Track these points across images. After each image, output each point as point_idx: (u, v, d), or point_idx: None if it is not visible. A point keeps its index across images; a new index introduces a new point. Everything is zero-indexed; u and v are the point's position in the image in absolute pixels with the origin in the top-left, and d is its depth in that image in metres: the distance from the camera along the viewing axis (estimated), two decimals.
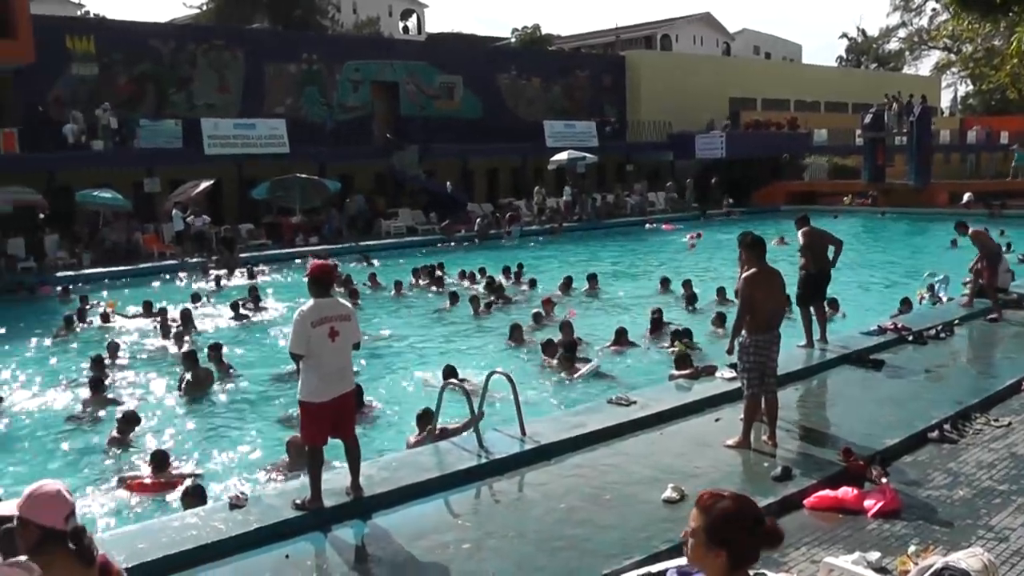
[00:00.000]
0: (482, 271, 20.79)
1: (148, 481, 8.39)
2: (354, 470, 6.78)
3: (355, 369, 7.37)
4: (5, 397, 11.73)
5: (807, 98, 56.29)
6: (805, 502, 6.82)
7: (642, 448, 8.07)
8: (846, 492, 6.82)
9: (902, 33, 74.13)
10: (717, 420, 8.80)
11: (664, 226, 34.42)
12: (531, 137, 39.19)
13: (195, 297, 18.76)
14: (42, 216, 25.81)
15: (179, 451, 9.45)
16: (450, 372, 10.64)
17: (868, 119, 39.42)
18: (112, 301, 18.96)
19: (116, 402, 11.33)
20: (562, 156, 35.64)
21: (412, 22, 75.60)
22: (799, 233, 11.92)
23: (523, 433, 8.10)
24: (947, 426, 8.47)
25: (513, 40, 64.25)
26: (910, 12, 69.21)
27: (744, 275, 8.16)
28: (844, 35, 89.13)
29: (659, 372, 11.61)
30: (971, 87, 70.73)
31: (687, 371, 10.53)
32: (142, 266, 24.88)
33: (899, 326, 12.66)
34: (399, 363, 13.48)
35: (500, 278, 20.06)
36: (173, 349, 14.39)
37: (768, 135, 46.69)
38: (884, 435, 8.18)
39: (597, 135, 41.32)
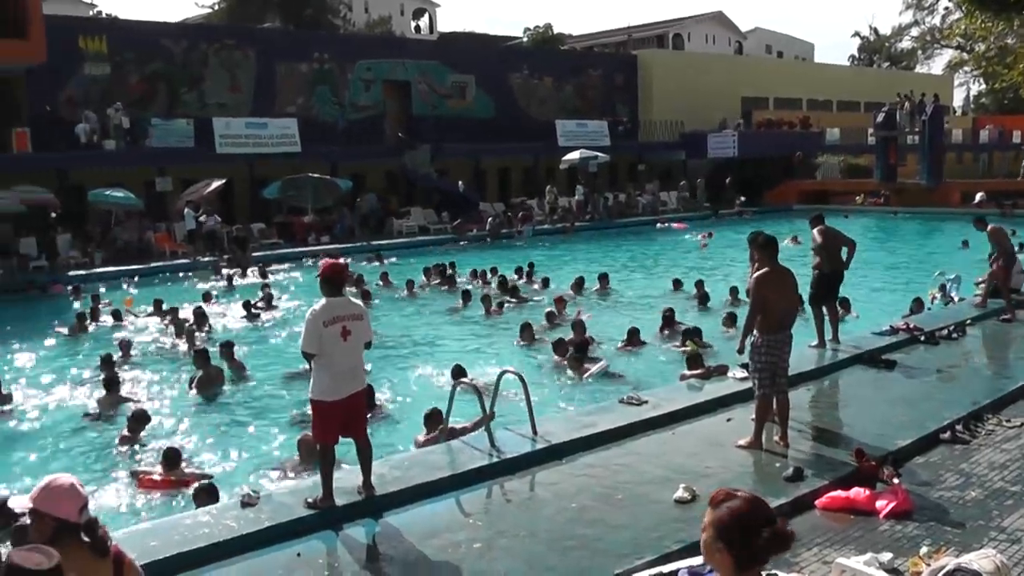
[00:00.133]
0: (494, 270, 20.80)
1: (160, 478, 8.41)
2: (366, 469, 6.78)
3: (367, 368, 7.37)
4: (16, 395, 11.76)
5: (819, 97, 56.08)
6: (817, 503, 6.80)
7: (654, 448, 8.06)
8: (858, 493, 6.79)
9: (914, 32, 74.16)
10: (729, 420, 8.78)
11: (676, 225, 34.32)
12: (543, 136, 39.18)
13: (207, 296, 18.81)
14: (54, 215, 25.88)
15: (191, 449, 9.49)
16: (459, 372, 10.66)
17: (880, 118, 39.31)
18: (129, 298, 19.05)
19: (130, 400, 11.33)
20: (574, 155, 35.60)
21: (424, 21, 75.65)
22: (814, 231, 11.83)
23: (534, 433, 8.10)
24: (959, 427, 8.42)
25: (525, 39, 64.31)
26: (923, 11, 69.10)
27: (756, 275, 8.14)
28: (856, 34, 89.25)
29: (671, 372, 11.61)
30: (984, 86, 70.49)
31: (699, 371, 10.51)
32: (154, 265, 24.96)
33: (911, 326, 12.60)
34: (411, 362, 13.48)
35: (512, 277, 20.07)
36: (184, 347, 14.44)
37: (780, 134, 46.54)
38: (896, 436, 8.14)
39: (609, 134, 41.26)
